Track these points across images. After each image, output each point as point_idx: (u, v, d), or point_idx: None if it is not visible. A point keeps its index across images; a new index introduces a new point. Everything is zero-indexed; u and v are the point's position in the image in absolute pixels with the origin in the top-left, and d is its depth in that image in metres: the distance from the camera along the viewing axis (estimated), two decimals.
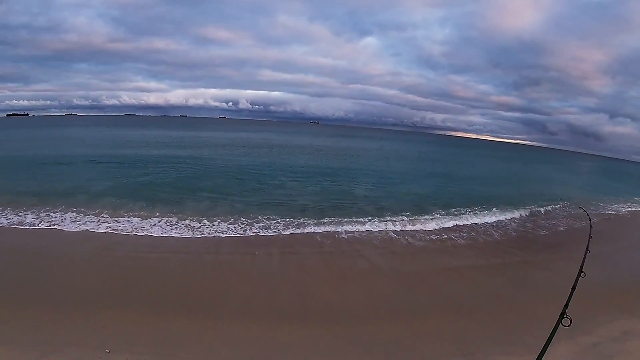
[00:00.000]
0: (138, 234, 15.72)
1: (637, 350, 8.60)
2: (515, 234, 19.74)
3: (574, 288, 4.87)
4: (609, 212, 28.29)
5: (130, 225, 16.51)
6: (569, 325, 3.83)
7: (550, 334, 3.78)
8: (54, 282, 10.87)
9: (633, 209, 30.84)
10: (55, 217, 16.85)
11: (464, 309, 10.88)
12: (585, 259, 6.48)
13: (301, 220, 18.77)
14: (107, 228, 15.99)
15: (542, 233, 20.24)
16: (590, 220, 10.27)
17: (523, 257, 15.76)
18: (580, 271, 5.74)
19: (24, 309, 9.08)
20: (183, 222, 17.32)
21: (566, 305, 4.23)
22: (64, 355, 7.30)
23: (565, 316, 3.98)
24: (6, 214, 16.82)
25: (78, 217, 16.96)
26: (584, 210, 11.19)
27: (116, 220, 16.88)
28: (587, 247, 7.46)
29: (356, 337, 9.05)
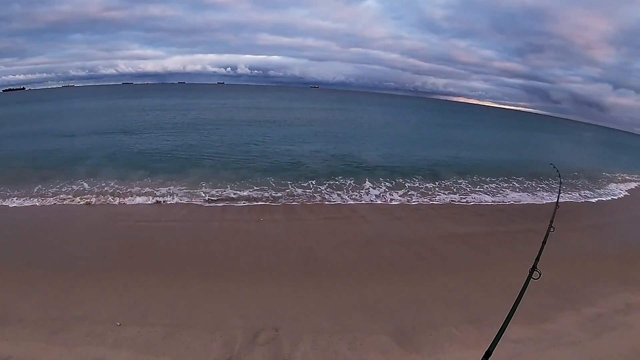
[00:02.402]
0: (142, 203, 15.68)
1: None
2: (520, 202, 19.55)
3: (544, 242, 5.11)
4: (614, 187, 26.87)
5: (133, 195, 16.33)
6: (538, 278, 4.01)
7: (522, 288, 3.91)
8: (60, 257, 10.83)
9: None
10: (56, 190, 16.61)
11: (470, 275, 10.93)
12: (555, 215, 6.60)
13: (305, 186, 18.75)
14: (109, 199, 15.88)
15: (547, 202, 19.85)
16: (559, 177, 10.18)
17: (528, 225, 15.65)
18: (550, 227, 5.84)
19: (31, 285, 9.07)
20: (187, 190, 17.13)
21: (537, 259, 4.44)
22: (75, 330, 7.35)
23: (535, 269, 4.14)
24: (7, 190, 16.48)
25: (79, 190, 16.73)
26: (554, 167, 11.10)
27: (118, 191, 16.71)
28: (557, 203, 7.38)
29: (362, 300, 9.17)
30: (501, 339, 7.66)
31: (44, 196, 15.98)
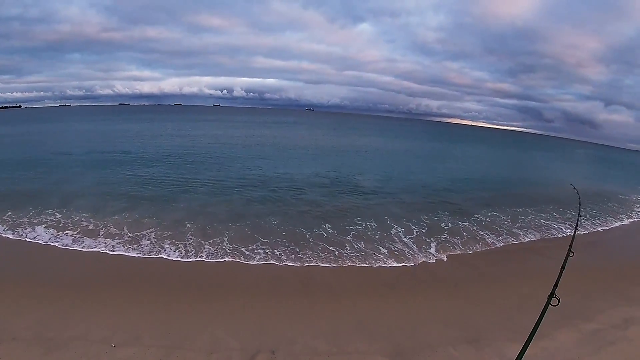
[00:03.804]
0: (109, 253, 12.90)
1: (638, 337, 8.72)
2: (514, 221, 19.14)
3: (563, 267, 4.88)
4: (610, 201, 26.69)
5: (99, 237, 13.95)
6: (557, 305, 3.84)
7: (541, 314, 3.79)
8: (57, 277, 10.76)
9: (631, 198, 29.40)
10: (23, 221, 14.99)
11: (466, 294, 11.00)
12: (574, 241, 6.29)
13: (324, 237, 15.13)
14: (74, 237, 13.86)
15: (542, 220, 19.78)
16: (579, 199, 10.24)
17: (524, 245, 15.89)
18: (569, 251, 5.62)
19: (26, 305, 8.97)
20: (171, 241, 13.76)
21: (555, 285, 4.24)
22: (69, 350, 7.25)
23: (554, 296, 3.96)
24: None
25: (52, 222, 15.05)
26: (574, 188, 11.19)
27: (91, 226, 14.74)
28: (576, 226, 7.30)
29: (359, 321, 9.13)
30: (498, 357, 7.66)
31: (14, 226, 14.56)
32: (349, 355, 7.75)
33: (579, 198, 9.93)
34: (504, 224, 18.57)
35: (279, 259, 12.94)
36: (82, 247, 13.17)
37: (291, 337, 8.25)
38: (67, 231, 14.30)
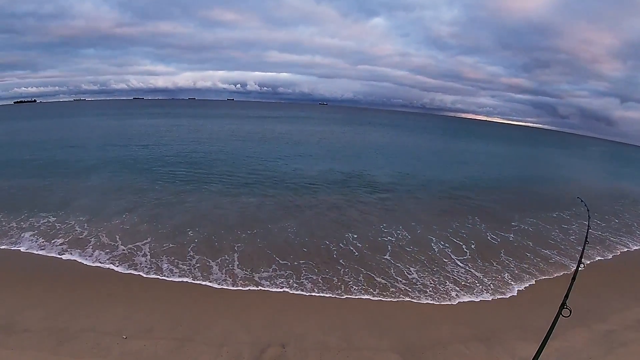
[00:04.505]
0: (100, 266, 11.39)
1: None
2: (564, 233, 17.09)
3: (574, 279, 4.72)
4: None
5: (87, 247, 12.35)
6: (568, 316, 3.76)
7: (551, 325, 3.69)
8: (67, 272, 10.79)
9: None
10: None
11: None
12: (584, 250, 6.24)
13: (324, 225, 14.58)
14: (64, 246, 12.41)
15: (590, 230, 17.53)
16: (588, 211, 9.95)
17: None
18: (580, 262, 5.48)
19: (38, 298, 9.02)
20: (169, 257, 11.89)
21: (566, 296, 4.11)
22: (81, 341, 7.28)
23: (565, 307, 3.89)
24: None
25: (43, 227, 13.73)
26: (582, 201, 10.83)
27: (81, 235, 13.28)
28: (586, 238, 7.12)
29: (370, 317, 9.11)
30: (509, 356, 7.55)
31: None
32: (359, 351, 7.72)
33: (588, 211, 9.65)
34: (554, 235, 16.43)
35: (309, 291, 10.42)
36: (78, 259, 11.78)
37: (301, 332, 8.24)
38: (55, 239, 12.82)
